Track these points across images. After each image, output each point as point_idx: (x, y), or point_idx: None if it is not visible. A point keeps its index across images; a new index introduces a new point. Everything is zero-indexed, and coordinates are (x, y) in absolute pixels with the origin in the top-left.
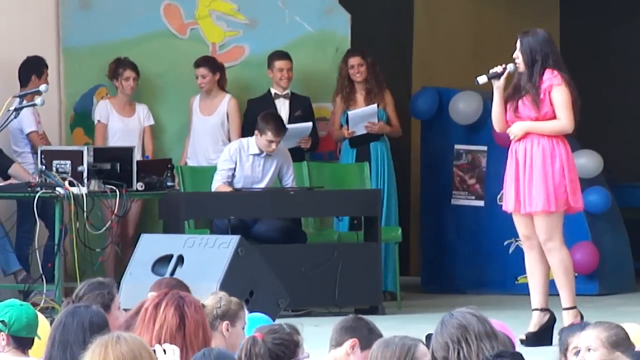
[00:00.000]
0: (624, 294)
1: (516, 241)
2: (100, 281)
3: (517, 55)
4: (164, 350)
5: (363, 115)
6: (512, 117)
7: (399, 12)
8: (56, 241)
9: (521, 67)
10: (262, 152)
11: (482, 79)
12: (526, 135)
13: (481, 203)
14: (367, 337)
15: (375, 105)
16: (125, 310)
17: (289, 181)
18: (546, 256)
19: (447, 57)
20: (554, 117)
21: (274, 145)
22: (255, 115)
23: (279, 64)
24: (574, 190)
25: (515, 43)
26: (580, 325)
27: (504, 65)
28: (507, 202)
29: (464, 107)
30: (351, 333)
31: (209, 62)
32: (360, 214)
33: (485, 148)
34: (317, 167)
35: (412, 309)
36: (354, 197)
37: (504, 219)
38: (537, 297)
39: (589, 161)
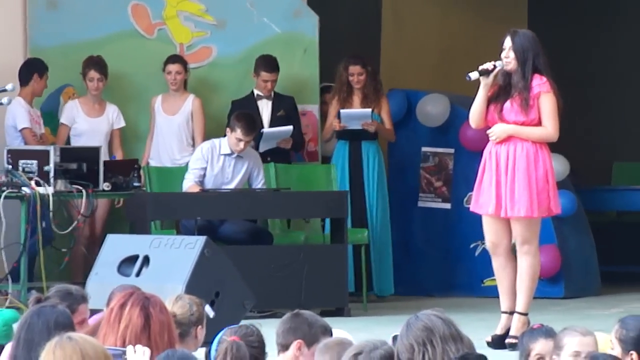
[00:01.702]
0: (589, 297)
1: (482, 244)
2: (69, 291)
3: (508, 54)
4: (134, 351)
5: (355, 115)
6: (496, 119)
7: (367, 15)
8: (21, 241)
9: (510, 65)
10: (233, 152)
11: (474, 75)
12: (508, 138)
13: (448, 205)
14: (309, 333)
15: (370, 109)
16: (92, 310)
17: (258, 186)
18: (518, 258)
19: (415, 60)
20: (539, 124)
21: (242, 145)
22: None
23: (265, 75)
24: (555, 195)
25: (503, 42)
26: (542, 330)
27: (493, 63)
28: (484, 205)
29: (431, 110)
30: (294, 334)
31: (182, 60)
32: (327, 216)
33: (452, 151)
34: (284, 169)
35: (378, 311)
36: (321, 198)
37: (470, 222)
38: (505, 300)
39: (555, 165)
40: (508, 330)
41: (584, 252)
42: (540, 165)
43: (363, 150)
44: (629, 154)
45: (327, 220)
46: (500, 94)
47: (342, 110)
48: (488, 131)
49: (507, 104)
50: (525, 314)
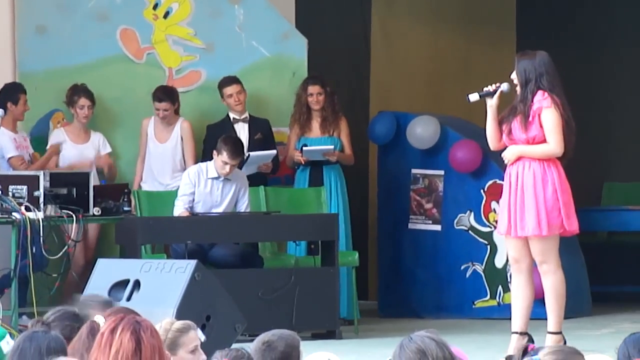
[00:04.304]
0: (581, 317)
1: (473, 265)
2: (75, 313)
3: (514, 76)
4: None
5: (318, 150)
6: (507, 140)
7: (356, 37)
8: (12, 266)
9: (517, 87)
10: (220, 175)
11: (474, 97)
12: (519, 158)
13: (438, 227)
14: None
15: (332, 146)
16: None
17: (242, 207)
18: (542, 279)
19: (405, 82)
20: (544, 141)
21: (227, 168)
22: (214, 141)
23: (226, 90)
24: (568, 213)
25: (513, 64)
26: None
27: (497, 84)
28: (500, 225)
29: (421, 132)
30: None
31: (169, 95)
32: (318, 239)
33: (442, 172)
34: (274, 192)
35: (370, 333)
36: (311, 221)
37: (461, 243)
38: (518, 320)
39: None
40: (524, 350)
41: (575, 273)
42: (548, 184)
43: (325, 175)
44: (619, 174)
45: (303, 243)
46: (509, 114)
47: (305, 148)
48: (502, 154)
49: (514, 124)
50: (558, 333)
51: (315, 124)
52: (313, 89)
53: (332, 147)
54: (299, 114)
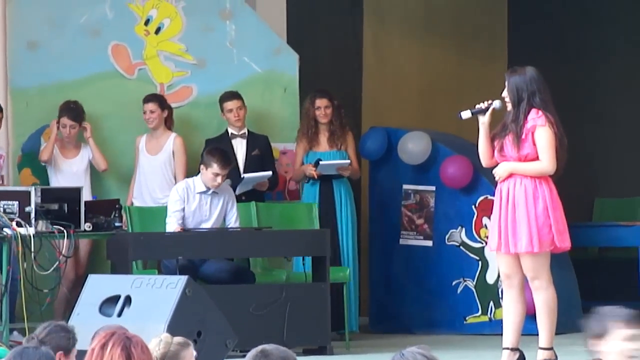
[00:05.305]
0: (572, 333)
1: (464, 281)
2: (62, 325)
3: (506, 94)
4: None
5: (334, 164)
6: (498, 157)
7: (348, 53)
8: (3, 282)
9: (509, 106)
10: (208, 189)
11: (466, 114)
12: (510, 175)
13: (429, 243)
14: None
15: (348, 161)
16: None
17: (231, 220)
18: (533, 295)
19: (397, 98)
20: (537, 158)
21: (219, 179)
22: None
23: (227, 105)
24: (559, 230)
25: (504, 82)
26: None
27: (489, 101)
28: (490, 241)
29: (412, 148)
30: None
31: (158, 98)
32: (309, 254)
33: (433, 188)
34: (266, 207)
35: (361, 349)
36: (303, 237)
37: (452, 259)
38: (509, 336)
39: None
40: None
41: (567, 289)
42: (539, 201)
43: (334, 189)
44: (610, 190)
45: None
46: (502, 131)
47: (321, 163)
48: (493, 171)
49: (507, 141)
50: (549, 348)
51: (323, 138)
52: (321, 102)
53: (348, 161)
54: (306, 127)
